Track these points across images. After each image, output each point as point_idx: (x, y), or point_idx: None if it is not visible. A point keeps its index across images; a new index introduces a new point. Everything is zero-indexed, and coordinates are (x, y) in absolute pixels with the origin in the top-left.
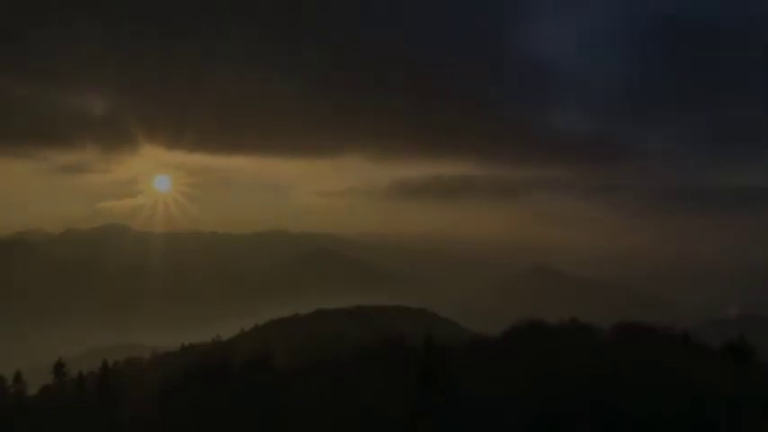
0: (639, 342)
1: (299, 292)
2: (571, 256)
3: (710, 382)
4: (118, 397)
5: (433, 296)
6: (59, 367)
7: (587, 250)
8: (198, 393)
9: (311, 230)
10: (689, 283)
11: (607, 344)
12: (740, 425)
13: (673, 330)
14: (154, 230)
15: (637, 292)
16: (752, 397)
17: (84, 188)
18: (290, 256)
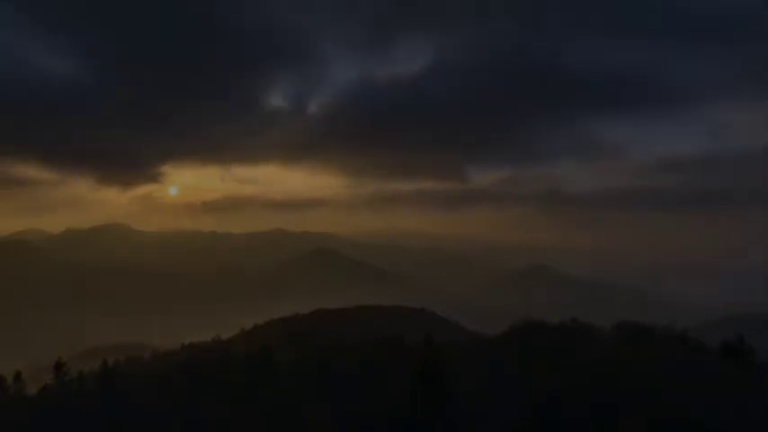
0: (639, 342)
1: (299, 292)
2: (570, 256)
3: (710, 382)
4: (118, 396)
5: (432, 296)
6: (59, 367)
7: (586, 250)
8: (198, 393)
9: (311, 230)
10: (689, 283)
11: (607, 344)
12: (740, 425)
13: (673, 330)
14: (153, 230)
15: (637, 293)
16: (752, 397)
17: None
18: (289, 256)
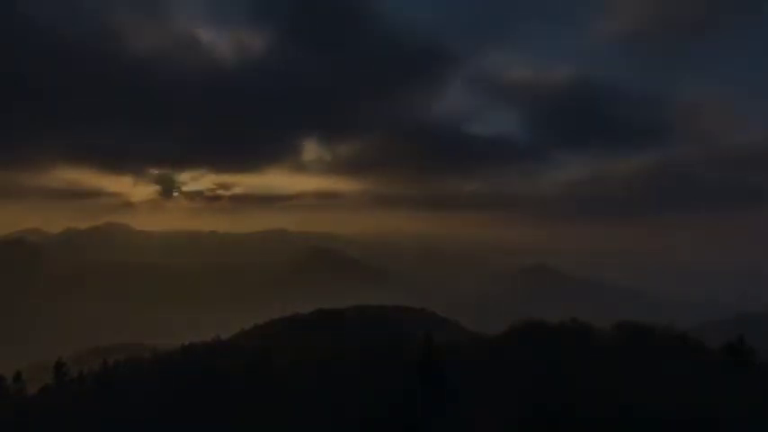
0: (639, 342)
1: (299, 292)
2: (570, 256)
3: (710, 382)
4: (118, 397)
5: (432, 296)
6: (59, 367)
7: (587, 250)
8: (198, 393)
9: (310, 230)
10: (690, 282)
11: (607, 344)
12: (740, 425)
13: (672, 330)
14: (153, 230)
15: (637, 292)
16: (751, 397)
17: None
18: (289, 256)
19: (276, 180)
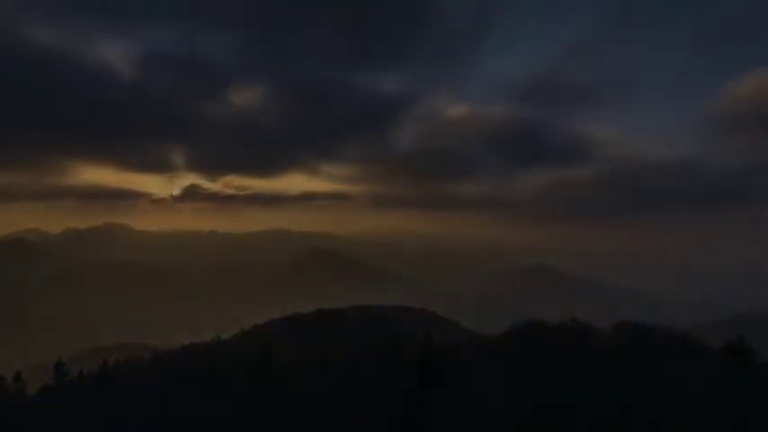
0: (639, 342)
1: (299, 292)
2: (570, 256)
3: (710, 383)
4: (118, 397)
5: (432, 296)
6: (59, 367)
7: (587, 250)
8: (198, 393)
9: (311, 230)
10: (689, 283)
11: (607, 344)
12: (740, 425)
13: (673, 330)
14: (154, 230)
15: (637, 293)
16: (751, 397)
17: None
18: (289, 256)
19: (279, 183)
